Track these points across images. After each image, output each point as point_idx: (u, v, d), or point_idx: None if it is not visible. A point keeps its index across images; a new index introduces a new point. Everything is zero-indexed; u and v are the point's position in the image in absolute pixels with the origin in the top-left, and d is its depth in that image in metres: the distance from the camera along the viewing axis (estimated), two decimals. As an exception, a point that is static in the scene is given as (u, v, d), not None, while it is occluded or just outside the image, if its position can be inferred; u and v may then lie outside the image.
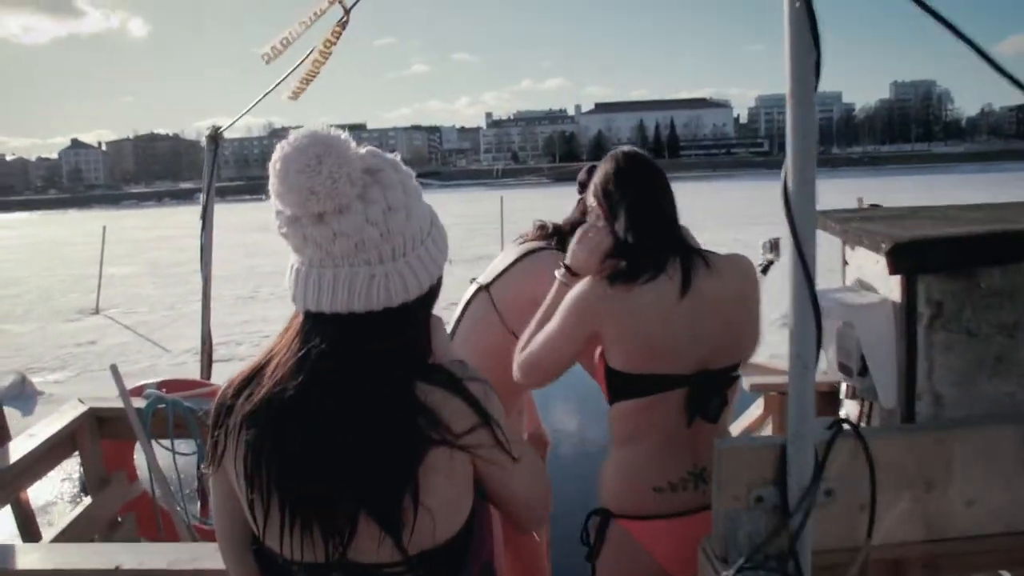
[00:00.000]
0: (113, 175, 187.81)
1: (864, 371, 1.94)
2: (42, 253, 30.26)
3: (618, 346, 1.91)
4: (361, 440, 1.21)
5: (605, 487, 2.05)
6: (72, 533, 2.92)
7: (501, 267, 2.59)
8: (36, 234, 44.76)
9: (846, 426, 1.79)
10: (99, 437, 3.18)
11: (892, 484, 1.79)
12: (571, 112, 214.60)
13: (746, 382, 3.26)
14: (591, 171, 2.70)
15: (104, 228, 17.29)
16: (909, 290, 1.79)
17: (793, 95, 1.56)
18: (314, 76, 2.02)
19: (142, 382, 3.43)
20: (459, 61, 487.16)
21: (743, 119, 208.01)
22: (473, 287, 2.65)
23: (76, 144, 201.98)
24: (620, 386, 1.94)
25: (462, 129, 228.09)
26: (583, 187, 2.71)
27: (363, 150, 1.26)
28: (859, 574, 1.83)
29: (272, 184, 1.21)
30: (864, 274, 2.01)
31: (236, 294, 16.94)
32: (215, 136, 4.04)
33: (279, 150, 1.20)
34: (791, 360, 1.67)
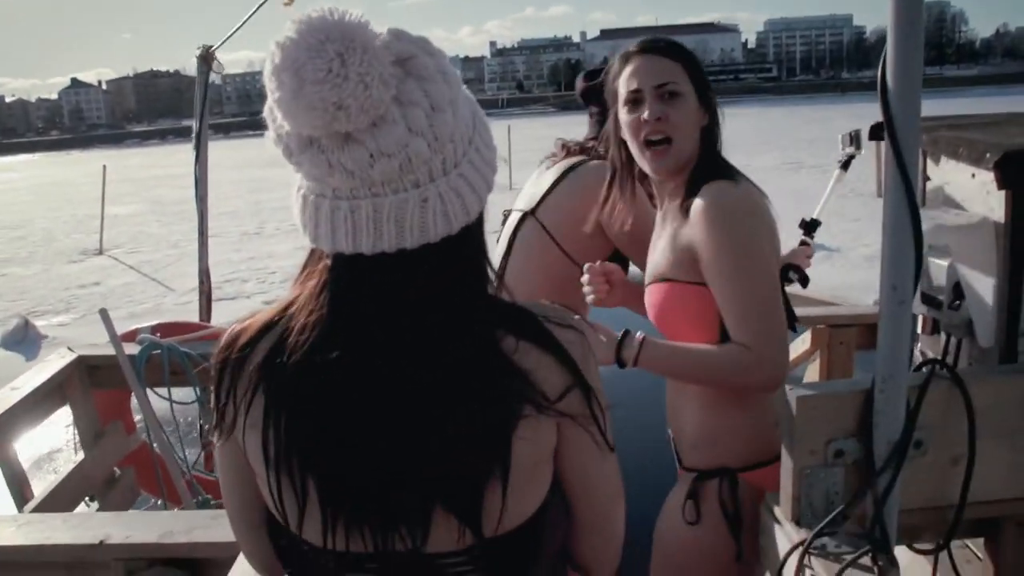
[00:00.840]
0: (115, 114, 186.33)
1: (954, 303, 1.67)
2: (45, 195, 30.00)
3: None
4: (441, 414, 0.95)
5: (722, 441, 1.78)
6: (64, 492, 2.71)
7: (543, 190, 2.37)
8: (39, 175, 44.44)
9: (941, 368, 1.54)
10: (90, 387, 2.95)
11: (991, 433, 1.54)
12: (576, 39, 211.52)
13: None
14: (592, 76, 2.43)
15: (104, 167, 16.96)
16: (1017, 208, 1.52)
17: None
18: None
19: (135, 326, 3.19)
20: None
21: (751, 44, 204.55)
22: (515, 215, 2.42)
23: (76, 83, 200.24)
24: None
25: (466, 59, 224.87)
26: (588, 98, 2.45)
27: (384, 32, 0.92)
28: (949, 534, 1.60)
29: (278, 100, 0.88)
30: (953, 191, 1.72)
31: (242, 230, 16.72)
32: (207, 56, 3.71)
33: (280, 52, 0.87)
34: (884, 292, 1.40)
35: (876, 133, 1.92)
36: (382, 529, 0.97)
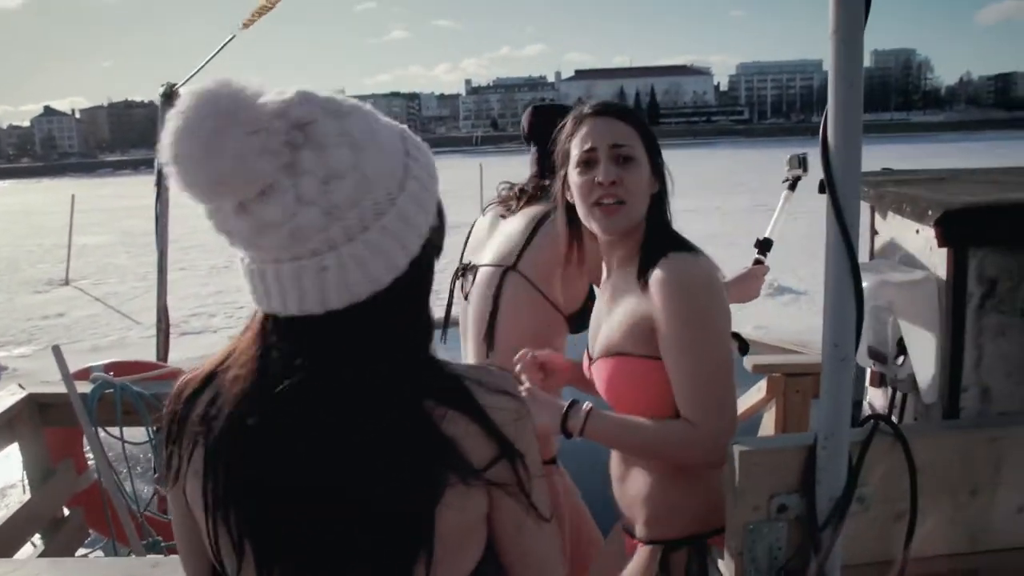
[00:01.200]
0: (88, 143, 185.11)
1: (899, 358, 1.69)
2: (12, 222, 29.64)
3: None
4: (364, 484, 0.93)
5: (686, 509, 1.75)
6: (9, 532, 2.65)
7: (518, 243, 2.33)
8: (7, 203, 43.96)
9: (884, 424, 1.55)
10: (41, 425, 2.90)
11: (932, 489, 1.55)
12: (551, 79, 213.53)
13: (747, 362, 3.02)
14: (541, 112, 2.44)
15: (73, 196, 16.86)
16: (958, 265, 1.54)
17: (838, 34, 1.30)
18: (267, 10, 1.74)
19: (88, 364, 3.15)
20: (439, 27, 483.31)
21: (723, 87, 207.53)
22: (493, 271, 2.35)
23: (49, 111, 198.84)
24: None
25: (441, 96, 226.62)
26: (533, 135, 2.45)
27: (287, 95, 0.90)
28: (893, 590, 1.60)
29: (170, 174, 0.88)
30: (899, 246, 1.75)
31: (210, 264, 16.58)
32: (170, 94, 3.71)
33: (169, 124, 0.87)
34: (825, 348, 1.42)
35: (823, 188, 1.95)
36: None
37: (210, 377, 1.02)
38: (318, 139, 0.89)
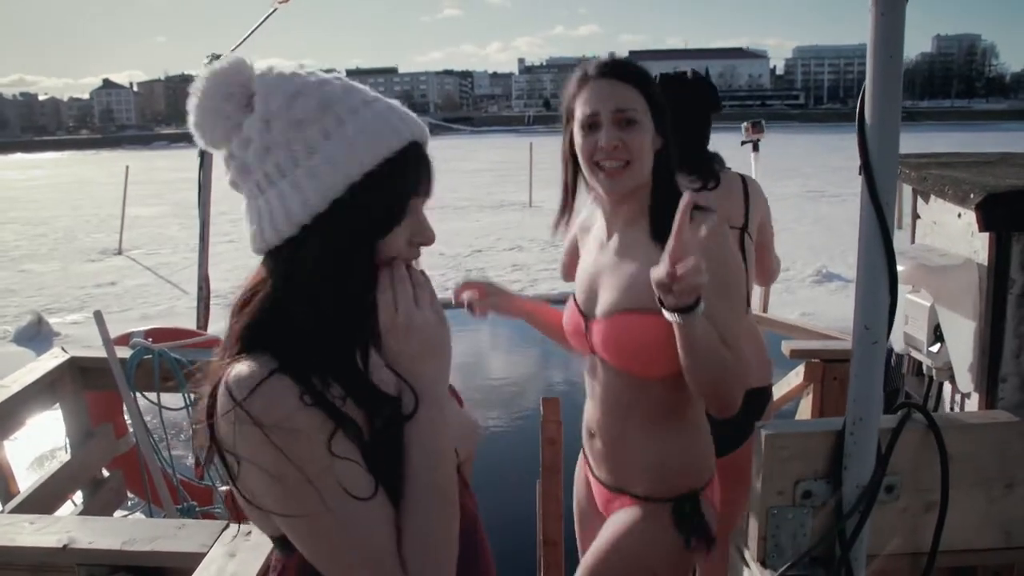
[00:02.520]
0: (144, 116, 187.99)
1: (935, 345, 1.64)
2: (70, 193, 30.30)
3: None
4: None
5: (686, 466, 1.81)
6: (49, 491, 2.72)
7: None
8: (65, 174, 44.88)
9: (917, 412, 1.51)
10: (82, 388, 2.95)
11: (965, 481, 1.51)
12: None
13: (785, 347, 2.97)
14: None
15: (127, 168, 17.15)
16: (1000, 251, 1.49)
17: (877, 5, 1.25)
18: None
19: (130, 330, 3.20)
20: (491, 5, 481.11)
21: (779, 70, 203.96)
22: None
23: (108, 84, 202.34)
24: None
25: (494, 75, 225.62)
26: None
27: (257, 69, 1.07)
28: (921, 582, 1.57)
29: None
30: (940, 230, 1.70)
31: (258, 237, 16.75)
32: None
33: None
34: (856, 331, 1.38)
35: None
36: None
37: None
38: (264, 92, 1.04)
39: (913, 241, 1.84)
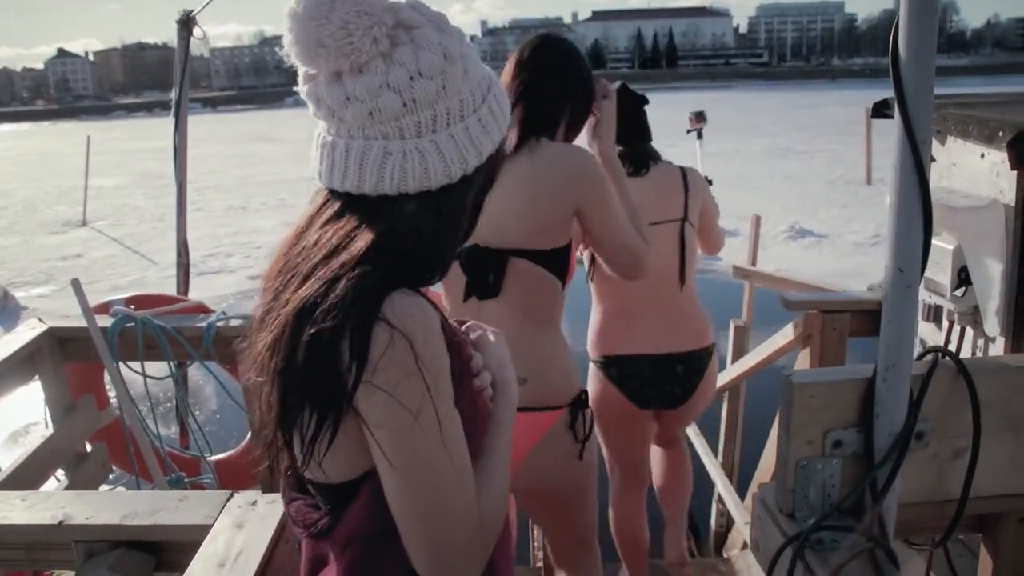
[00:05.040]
0: (102, 85, 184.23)
1: (959, 289, 1.60)
2: (29, 165, 29.68)
3: None
4: (305, 358, 0.96)
5: (572, 367, 2.08)
6: (32, 467, 2.62)
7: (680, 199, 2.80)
8: (23, 146, 43.93)
9: (945, 357, 1.47)
10: (61, 360, 2.85)
11: (995, 427, 1.47)
12: (568, 20, 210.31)
13: (783, 298, 2.93)
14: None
15: (88, 138, 16.77)
16: (1030, 189, 1.44)
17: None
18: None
19: (109, 298, 3.10)
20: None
21: (743, 29, 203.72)
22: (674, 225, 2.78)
23: (62, 54, 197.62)
24: None
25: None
26: None
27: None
28: (948, 530, 1.54)
29: (284, 34, 1.00)
30: (960, 171, 1.65)
31: (227, 204, 16.55)
32: (187, 21, 3.58)
33: None
34: (889, 274, 1.33)
35: (878, 111, 1.85)
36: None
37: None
38: (419, 41, 1.00)
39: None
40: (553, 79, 2.03)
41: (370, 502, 1.02)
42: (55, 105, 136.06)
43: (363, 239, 1.00)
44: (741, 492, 3.70)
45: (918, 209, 1.27)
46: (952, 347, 1.67)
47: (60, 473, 2.92)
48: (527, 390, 1.86)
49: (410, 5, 1.02)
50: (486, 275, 1.95)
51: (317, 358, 0.94)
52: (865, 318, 2.61)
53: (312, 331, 0.94)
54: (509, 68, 2.10)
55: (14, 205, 18.33)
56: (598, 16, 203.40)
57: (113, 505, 1.67)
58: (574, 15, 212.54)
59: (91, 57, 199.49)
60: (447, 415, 0.98)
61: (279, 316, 0.99)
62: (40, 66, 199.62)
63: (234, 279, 10.13)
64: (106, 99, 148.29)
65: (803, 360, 2.90)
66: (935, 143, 1.75)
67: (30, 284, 10.40)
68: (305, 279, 1.00)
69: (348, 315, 0.93)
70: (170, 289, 7.41)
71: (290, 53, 1.00)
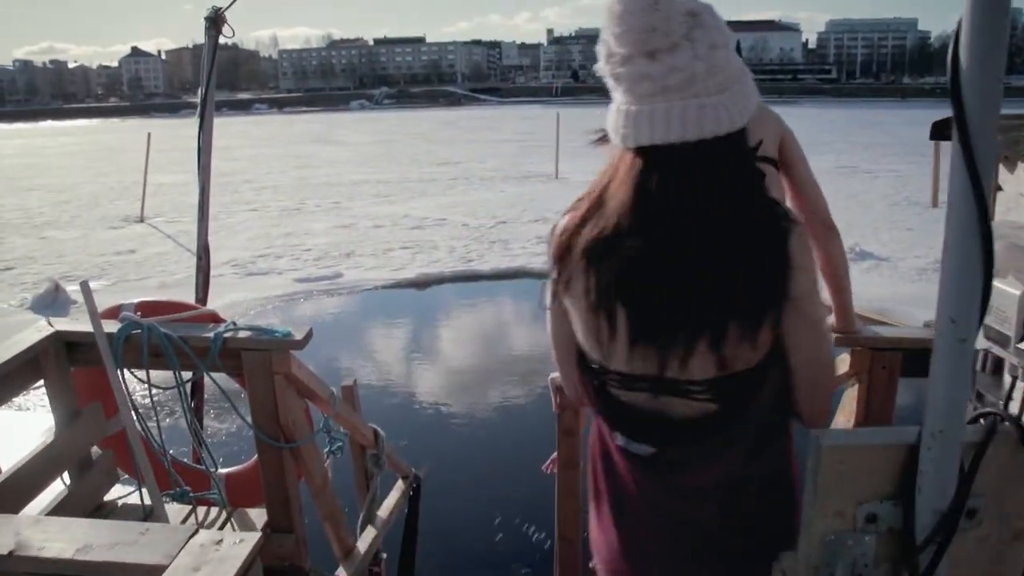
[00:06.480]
0: (172, 84, 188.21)
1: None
2: (96, 160, 30.35)
3: None
4: (724, 270, 1.33)
5: None
6: (36, 470, 2.53)
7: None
8: (93, 141, 45.04)
9: (1005, 422, 1.26)
10: (68, 364, 2.75)
11: (1061, 503, 1.26)
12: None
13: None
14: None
15: (149, 135, 17.00)
16: (1115, 229, 1.22)
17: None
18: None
19: (120, 302, 3.00)
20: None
21: (812, 44, 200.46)
22: None
23: (136, 52, 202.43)
24: None
25: (522, 45, 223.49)
26: None
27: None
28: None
29: (608, 27, 1.32)
30: (1032, 204, 1.43)
31: (282, 205, 16.64)
32: (216, 19, 3.48)
33: None
34: (940, 324, 1.13)
35: (938, 132, 1.64)
36: (661, 356, 1.39)
37: (590, 211, 1.42)
38: (705, 23, 1.31)
39: (992, 216, 1.58)
40: None
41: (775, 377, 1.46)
42: (127, 102, 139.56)
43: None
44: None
45: (977, 248, 1.08)
46: (1014, 409, 1.45)
47: (67, 477, 2.83)
48: None
49: (692, 2, 1.32)
50: None
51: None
52: (918, 357, 2.38)
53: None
54: None
55: (78, 199, 18.67)
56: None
57: (71, 535, 1.54)
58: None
59: (163, 56, 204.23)
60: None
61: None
62: (115, 64, 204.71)
63: (281, 281, 10.11)
64: (176, 97, 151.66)
65: (848, 400, 2.67)
66: (1002, 170, 1.54)
67: (83, 278, 10.50)
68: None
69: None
70: (215, 289, 7.39)
71: (618, 40, 1.31)
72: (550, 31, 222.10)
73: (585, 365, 1.57)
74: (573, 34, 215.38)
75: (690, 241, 1.31)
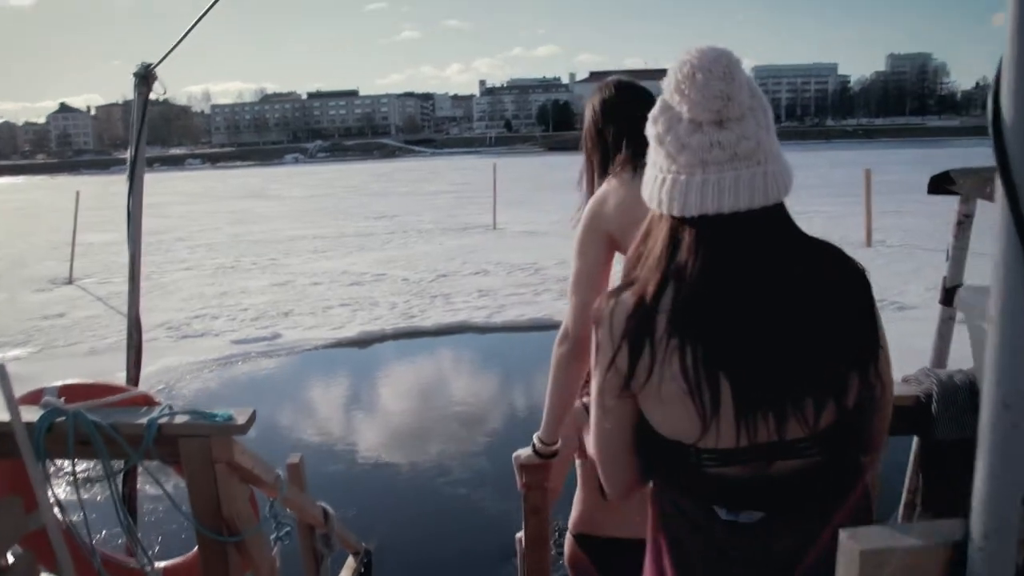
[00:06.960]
0: (102, 140, 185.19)
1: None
2: (23, 219, 29.46)
3: None
4: (826, 321, 1.34)
5: None
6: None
7: None
8: (19, 199, 43.85)
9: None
10: (-18, 456, 2.48)
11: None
12: (565, 80, 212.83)
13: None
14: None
15: (78, 193, 16.47)
16: None
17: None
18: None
19: (42, 386, 2.75)
20: (450, 27, 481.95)
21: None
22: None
23: (64, 108, 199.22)
24: None
25: (455, 96, 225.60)
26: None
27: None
28: None
29: (684, 93, 1.32)
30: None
31: (217, 263, 16.26)
32: (147, 75, 3.28)
33: (687, 64, 1.33)
34: (989, 407, 0.98)
35: (938, 186, 1.53)
36: (779, 421, 1.35)
37: (661, 287, 1.37)
38: (759, 96, 1.38)
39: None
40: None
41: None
42: (55, 159, 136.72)
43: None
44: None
45: (1030, 323, 0.94)
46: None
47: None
48: None
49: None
50: None
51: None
52: (899, 415, 2.26)
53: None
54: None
55: (2, 260, 18.02)
56: (595, 76, 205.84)
57: None
58: (571, 76, 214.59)
59: (93, 112, 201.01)
60: None
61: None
62: (42, 120, 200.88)
63: (218, 343, 9.75)
64: (106, 153, 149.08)
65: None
66: None
67: (8, 345, 10.00)
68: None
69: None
70: (151, 352, 7.04)
71: (693, 108, 1.31)
72: (482, 82, 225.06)
73: (664, 453, 1.45)
74: (505, 84, 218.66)
75: (786, 300, 1.33)
